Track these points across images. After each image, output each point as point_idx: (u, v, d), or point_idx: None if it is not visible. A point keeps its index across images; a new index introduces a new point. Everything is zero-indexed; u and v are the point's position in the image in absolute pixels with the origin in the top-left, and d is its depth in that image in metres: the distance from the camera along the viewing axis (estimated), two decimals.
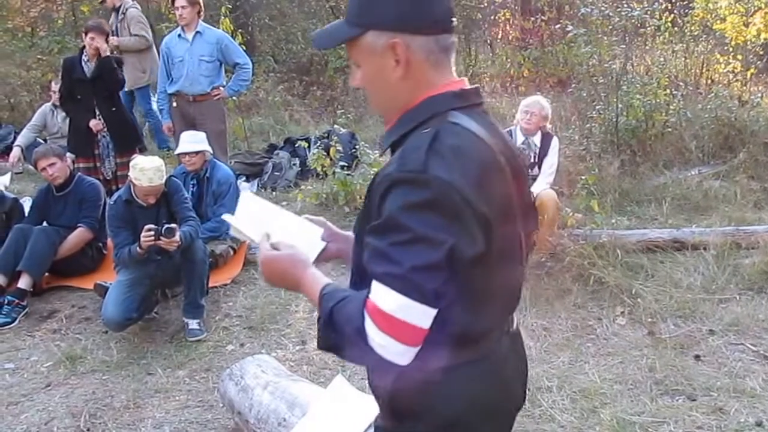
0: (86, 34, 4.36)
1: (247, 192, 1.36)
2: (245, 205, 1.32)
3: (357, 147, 5.46)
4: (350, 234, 1.31)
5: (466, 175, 0.98)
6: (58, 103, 5.13)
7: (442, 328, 1.01)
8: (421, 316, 0.97)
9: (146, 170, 3.16)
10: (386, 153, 1.14)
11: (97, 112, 4.39)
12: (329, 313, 1.05)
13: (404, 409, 1.11)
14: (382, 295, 0.97)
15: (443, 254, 0.95)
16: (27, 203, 4.21)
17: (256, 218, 1.29)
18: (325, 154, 4.97)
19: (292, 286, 1.17)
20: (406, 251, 0.96)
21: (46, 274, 3.68)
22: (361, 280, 1.08)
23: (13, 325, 3.37)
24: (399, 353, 0.99)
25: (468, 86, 1.11)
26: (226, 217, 1.31)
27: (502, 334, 1.15)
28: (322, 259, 1.31)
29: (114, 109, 4.45)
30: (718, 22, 6.42)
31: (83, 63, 4.35)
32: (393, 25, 1.04)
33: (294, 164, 5.55)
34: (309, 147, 5.57)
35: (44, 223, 3.74)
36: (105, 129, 4.40)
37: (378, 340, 0.98)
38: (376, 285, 0.99)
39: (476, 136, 1.04)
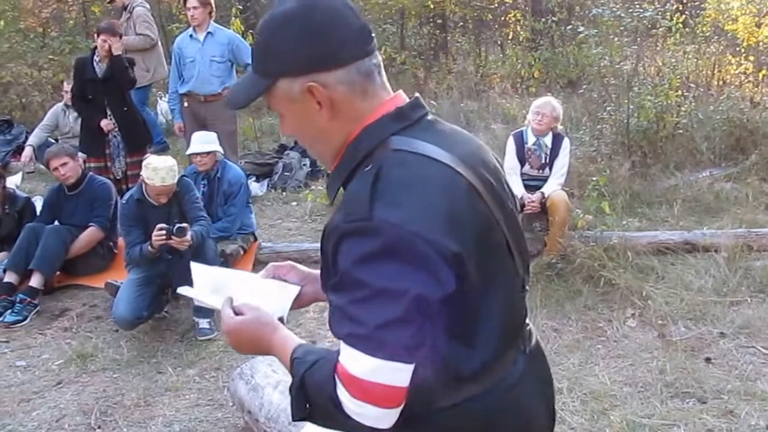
0: (98, 35, 4.40)
1: (194, 264, 1.28)
2: (199, 275, 1.21)
3: None
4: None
5: (421, 209, 0.87)
6: (69, 103, 5.18)
7: (435, 373, 0.92)
8: (395, 374, 0.88)
9: (159, 170, 3.18)
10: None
11: (108, 112, 4.43)
12: (301, 379, 0.96)
13: None
14: (350, 358, 0.89)
15: (407, 305, 0.86)
16: (38, 202, 4.24)
17: (215, 285, 1.18)
18: None
19: (265, 351, 1.06)
20: (366, 308, 0.87)
21: (58, 272, 3.71)
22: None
23: (24, 323, 3.40)
24: (378, 417, 0.90)
25: (405, 101, 1.00)
26: (183, 290, 1.22)
27: (517, 354, 1.04)
28: (298, 305, 1.20)
29: (125, 109, 4.48)
30: (730, 22, 6.39)
31: (95, 63, 4.39)
32: (301, 68, 0.94)
33: (304, 164, 5.57)
34: None
35: (56, 222, 3.77)
36: (116, 129, 4.44)
37: (353, 407, 0.90)
38: (344, 347, 0.90)
39: (427, 158, 0.92)
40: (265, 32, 0.97)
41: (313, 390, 0.95)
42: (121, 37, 4.47)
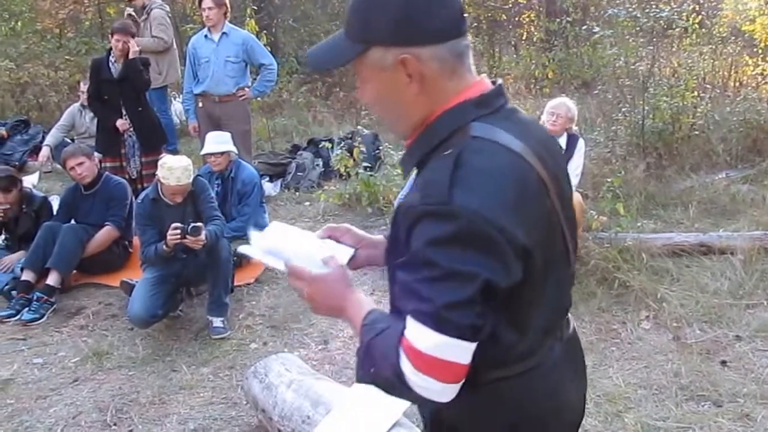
0: (112, 35, 4.45)
1: (275, 223, 1.28)
2: (258, 235, 1.23)
3: (380, 148, 5.48)
4: (378, 237, 1.27)
5: (497, 199, 0.90)
6: (86, 104, 5.25)
7: (485, 351, 0.96)
8: (460, 352, 0.92)
9: (174, 169, 3.20)
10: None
11: (124, 112, 4.47)
12: (367, 346, 1.00)
13: (453, 425, 1.07)
14: (417, 333, 0.92)
15: (476, 289, 0.89)
16: (55, 202, 4.28)
17: (272, 246, 1.20)
18: (348, 154, 4.99)
19: (337, 310, 1.09)
20: (437, 288, 0.90)
21: (74, 271, 3.74)
22: (399, 312, 1.00)
23: (41, 320, 3.43)
24: (439, 391, 0.94)
25: (488, 88, 1.02)
26: (243, 249, 1.22)
27: (554, 341, 1.09)
28: (351, 267, 1.22)
29: (140, 109, 4.53)
30: (748, 23, 6.32)
31: (110, 64, 4.44)
32: (399, 39, 0.95)
33: (317, 165, 5.59)
34: (332, 148, 5.61)
35: (72, 222, 3.81)
36: (131, 129, 4.48)
37: (415, 379, 0.93)
38: (410, 322, 0.93)
39: (505, 148, 0.94)
40: (366, 0, 0.99)
41: (378, 358, 0.98)
42: (134, 36, 4.51)
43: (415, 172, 1.04)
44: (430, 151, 0.99)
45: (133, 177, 4.49)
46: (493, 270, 0.89)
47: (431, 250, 0.90)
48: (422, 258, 0.91)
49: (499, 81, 1.05)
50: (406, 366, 0.93)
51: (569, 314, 1.15)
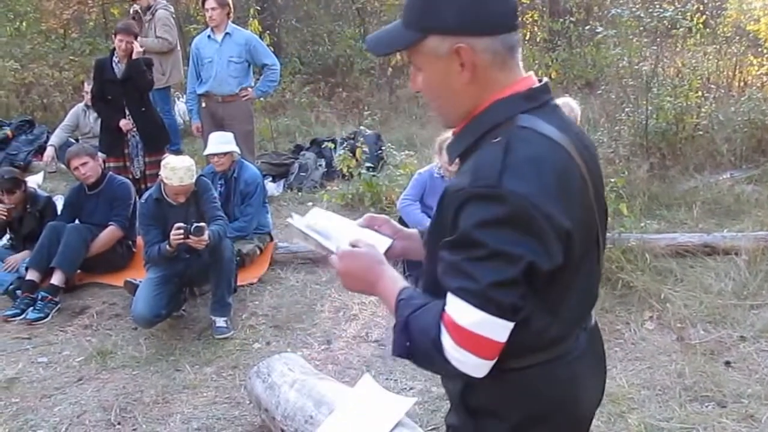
0: (115, 35, 4.47)
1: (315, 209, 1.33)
2: (300, 220, 1.28)
3: (383, 148, 5.49)
4: (413, 231, 1.31)
5: (544, 188, 0.95)
6: (90, 104, 5.27)
7: (520, 331, 0.99)
8: (499, 330, 0.97)
9: (177, 169, 3.21)
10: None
11: (127, 113, 4.49)
12: (405, 321, 1.03)
13: (477, 407, 1.12)
14: (459, 310, 0.96)
15: (520, 270, 0.94)
16: (59, 201, 4.30)
17: (315, 230, 1.26)
18: (350, 155, 5.00)
19: (370, 286, 1.13)
20: (482, 267, 0.94)
21: (78, 271, 3.76)
22: (433, 290, 1.05)
23: (46, 320, 3.45)
24: (476, 366, 0.99)
25: (536, 83, 1.07)
26: (294, 220, 1.27)
27: (579, 331, 1.13)
28: (387, 257, 1.25)
29: (143, 109, 4.54)
30: (752, 23, 6.30)
31: (114, 64, 4.46)
32: (455, 29, 1.00)
33: (320, 165, 5.60)
34: (335, 148, 5.62)
35: (76, 221, 3.83)
36: (134, 129, 4.50)
37: (454, 354, 0.98)
38: (452, 298, 0.98)
39: (551, 140, 1.00)
40: None
41: (417, 332, 1.02)
42: (137, 36, 4.53)
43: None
44: (478, 139, 1.03)
45: (137, 177, 4.51)
46: (537, 253, 0.94)
47: (479, 231, 0.94)
48: (470, 238, 0.95)
49: (545, 79, 1.10)
50: (447, 340, 0.98)
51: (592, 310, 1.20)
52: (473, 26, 1.00)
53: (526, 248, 0.93)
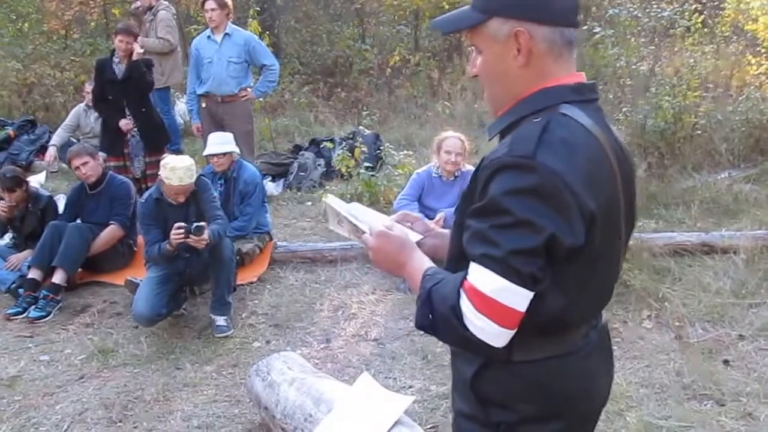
0: (116, 36, 4.50)
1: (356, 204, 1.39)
2: (334, 209, 1.33)
3: (381, 148, 5.51)
4: (444, 230, 1.33)
5: (574, 168, 0.98)
6: (90, 104, 5.29)
7: (534, 315, 1.01)
8: (519, 298, 0.98)
9: (177, 169, 3.22)
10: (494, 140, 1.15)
11: (127, 113, 4.51)
12: (428, 292, 1.06)
13: (487, 397, 1.13)
14: (481, 276, 0.99)
15: (542, 240, 0.96)
16: (61, 201, 4.32)
17: (353, 210, 1.31)
18: (349, 154, 5.02)
19: (399, 267, 1.16)
20: (506, 234, 0.97)
21: (80, 270, 3.77)
22: (456, 264, 1.08)
23: (47, 318, 3.47)
24: (495, 334, 1.00)
25: (585, 81, 1.11)
26: (330, 199, 1.31)
27: (590, 328, 1.15)
28: None
29: (144, 109, 4.56)
30: (750, 22, 6.31)
31: (114, 64, 4.49)
32: (518, 13, 1.05)
33: (319, 165, 5.62)
34: (334, 148, 5.64)
35: (78, 220, 3.85)
36: (135, 129, 4.52)
37: (474, 320, 1.00)
38: (474, 266, 1.00)
39: (587, 130, 1.04)
40: None
41: (438, 301, 1.04)
42: (137, 37, 4.55)
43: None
44: (520, 119, 1.07)
45: (137, 176, 4.53)
46: (560, 227, 0.97)
47: (508, 199, 0.97)
48: (498, 205, 0.98)
49: (593, 81, 1.15)
50: (466, 306, 1.00)
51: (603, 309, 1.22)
52: (534, 13, 1.04)
53: (550, 220, 0.96)
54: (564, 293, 1.04)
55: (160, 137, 4.72)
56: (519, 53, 1.05)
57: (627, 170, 1.12)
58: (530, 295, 0.99)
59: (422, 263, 1.13)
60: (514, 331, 1.01)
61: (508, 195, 0.97)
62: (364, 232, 1.23)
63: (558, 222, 0.97)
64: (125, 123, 4.48)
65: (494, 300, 0.98)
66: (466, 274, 1.01)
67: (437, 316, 1.04)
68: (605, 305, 1.19)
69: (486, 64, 1.11)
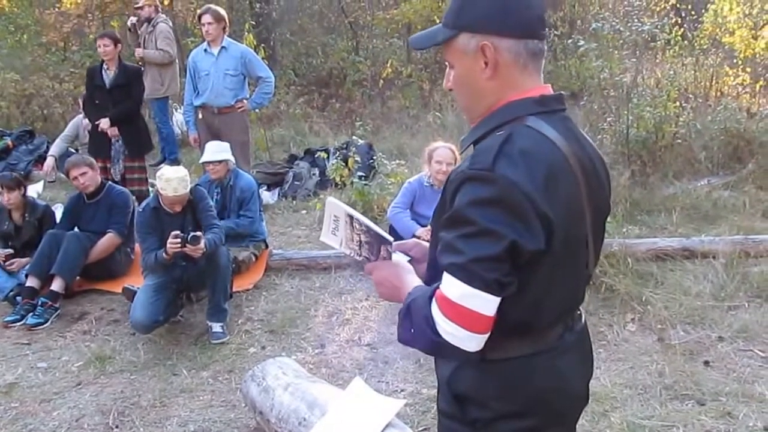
0: (97, 41, 4.76)
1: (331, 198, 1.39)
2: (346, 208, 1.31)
3: (374, 158, 5.59)
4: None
5: (531, 177, 1.02)
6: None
7: (503, 319, 1.06)
8: (485, 303, 1.02)
9: (171, 180, 3.26)
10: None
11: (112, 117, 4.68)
12: (407, 306, 1.12)
13: (464, 395, 1.18)
14: (448, 284, 1.04)
15: (504, 247, 1.01)
16: (58, 210, 4.35)
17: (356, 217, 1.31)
18: (343, 164, 5.09)
19: (397, 294, 1.20)
20: (470, 243, 1.02)
21: (77, 277, 3.80)
22: (435, 276, 1.12)
23: (45, 325, 3.49)
24: (465, 338, 1.04)
25: (550, 93, 1.15)
26: (331, 200, 1.30)
27: (565, 330, 1.19)
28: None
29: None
30: (727, 35, 6.47)
31: (104, 71, 4.69)
32: (483, 27, 1.10)
33: (314, 174, 5.69)
34: (328, 158, 5.72)
35: (75, 229, 3.87)
36: (118, 134, 4.68)
37: (445, 327, 1.04)
38: (444, 276, 1.05)
39: (550, 141, 1.08)
40: None
41: (414, 312, 1.10)
42: (118, 42, 4.74)
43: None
44: (488, 132, 1.12)
45: (116, 180, 4.69)
46: (521, 233, 1.01)
47: (471, 209, 1.03)
48: (462, 216, 1.03)
49: (561, 92, 1.20)
50: (437, 313, 1.05)
51: (581, 310, 1.27)
52: (498, 27, 1.10)
53: (510, 228, 1.01)
54: (528, 296, 1.08)
55: (142, 144, 4.89)
56: (486, 66, 1.11)
57: (595, 181, 1.16)
58: (496, 300, 1.03)
59: (413, 284, 1.17)
60: (485, 335, 1.05)
61: (471, 205, 1.02)
62: (365, 231, 1.24)
63: (518, 229, 1.01)
64: (105, 121, 4.63)
65: (461, 306, 1.02)
66: (439, 283, 1.06)
67: (416, 329, 1.09)
68: (575, 308, 1.23)
69: (458, 78, 1.16)
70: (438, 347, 1.07)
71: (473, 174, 1.04)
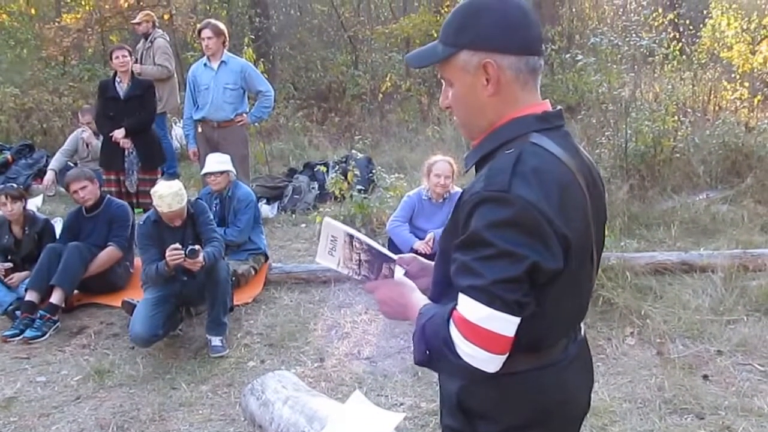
0: (111, 55, 4.81)
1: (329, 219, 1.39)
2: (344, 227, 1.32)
3: (373, 171, 5.63)
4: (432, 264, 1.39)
5: (548, 196, 1.03)
6: (86, 132, 5.48)
7: (518, 334, 1.05)
8: (505, 324, 1.02)
9: (165, 197, 3.29)
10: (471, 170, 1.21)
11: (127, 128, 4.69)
12: (422, 328, 1.11)
13: (472, 410, 1.19)
14: (468, 307, 1.03)
15: (524, 269, 1.01)
16: (58, 224, 4.37)
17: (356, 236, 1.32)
18: (342, 178, 5.11)
19: (403, 312, 1.21)
20: (489, 265, 1.01)
21: (77, 291, 3.81)
22: (441, 293, 1.15)
23: (43, 338, 3.49)
24: (486, 360, 1.04)
25: (550, 109, 1.16)
26: (328, 221, 1.28)
27: (569, 342, 1.21)
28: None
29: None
30: (725, 50, 6.54)
31: (116, 84, 4.74)
32: (485, 45, 1.10)
33: (313, 188, 5.72)
34: (327, 171, 5.74)
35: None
36: (132, 146, 4.69)
37: (465, 348, 1.04)
38: (461, 297, 1.04)
39: (556, 158, 1.09)
40: (462, 12, 1.14)
41: (430, 334, 1.09)
42: (130, 53, 4.79)
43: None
44: (493, 150, 1.13)
45: (131, 191, 4.71)
46: (541, 254, 1.02)
47: (489, 232, 1.02)
48: (480, 237, 1.03)
49: (559, 107, 1.21)
50: (456, 335, 1.04)
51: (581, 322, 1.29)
52: (500, 45, 1.10)
53: (530, 249, 1.01)
54: (543, 313, 1.09)
55: (156, 156, 4.90)
56: (488, 83, 1.11)
57: (596, 193, 1.18)
58: (517, 320, 1.03)
59: (419, 302, 1.17)
60: (505, 356, 1.05)
61: (489, 228, 1.02)
62: (365, 250, 1.25)
63: (538, 249, 1.02)
64: (120, 132, 4.64)
65: (482, 327, 1.02)
66: (455, 305, 1.05)
67: (432, 350, 1.08)
68: (581, 320, 1.25)
69: (458, 96, 1.16)
70: (458, 369, 1.07)
71: (489, 195, 1.04)
